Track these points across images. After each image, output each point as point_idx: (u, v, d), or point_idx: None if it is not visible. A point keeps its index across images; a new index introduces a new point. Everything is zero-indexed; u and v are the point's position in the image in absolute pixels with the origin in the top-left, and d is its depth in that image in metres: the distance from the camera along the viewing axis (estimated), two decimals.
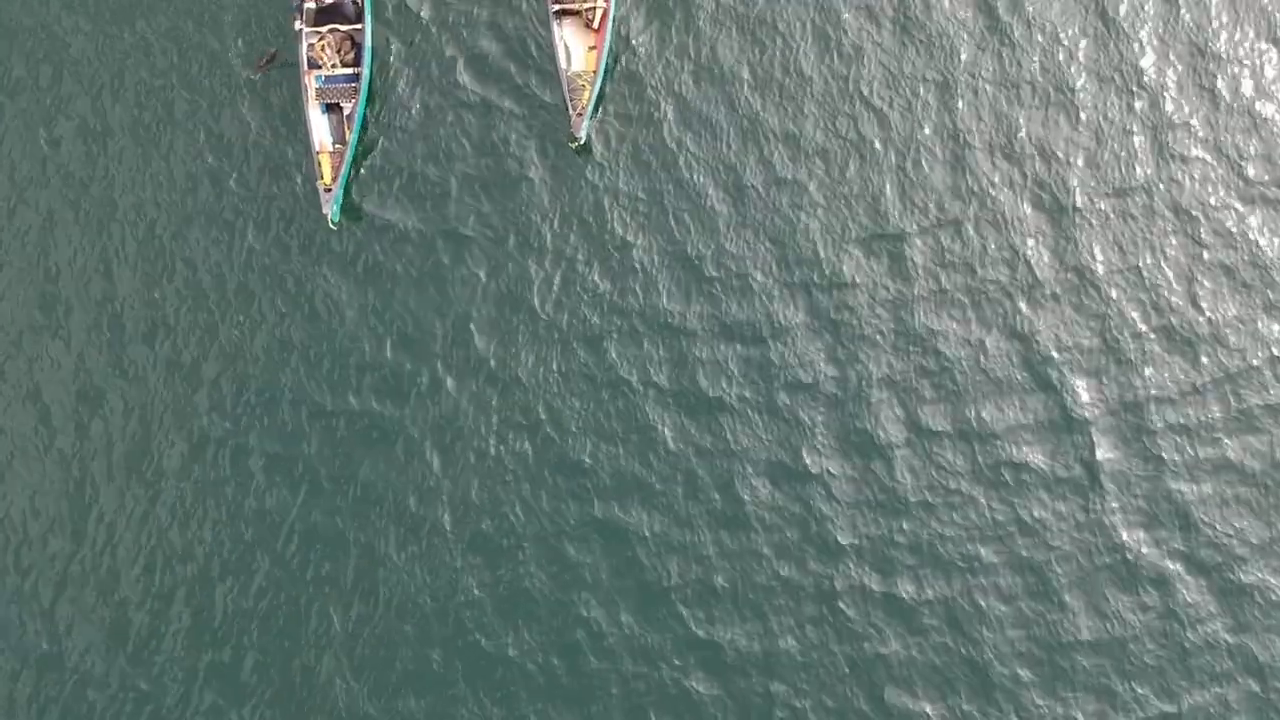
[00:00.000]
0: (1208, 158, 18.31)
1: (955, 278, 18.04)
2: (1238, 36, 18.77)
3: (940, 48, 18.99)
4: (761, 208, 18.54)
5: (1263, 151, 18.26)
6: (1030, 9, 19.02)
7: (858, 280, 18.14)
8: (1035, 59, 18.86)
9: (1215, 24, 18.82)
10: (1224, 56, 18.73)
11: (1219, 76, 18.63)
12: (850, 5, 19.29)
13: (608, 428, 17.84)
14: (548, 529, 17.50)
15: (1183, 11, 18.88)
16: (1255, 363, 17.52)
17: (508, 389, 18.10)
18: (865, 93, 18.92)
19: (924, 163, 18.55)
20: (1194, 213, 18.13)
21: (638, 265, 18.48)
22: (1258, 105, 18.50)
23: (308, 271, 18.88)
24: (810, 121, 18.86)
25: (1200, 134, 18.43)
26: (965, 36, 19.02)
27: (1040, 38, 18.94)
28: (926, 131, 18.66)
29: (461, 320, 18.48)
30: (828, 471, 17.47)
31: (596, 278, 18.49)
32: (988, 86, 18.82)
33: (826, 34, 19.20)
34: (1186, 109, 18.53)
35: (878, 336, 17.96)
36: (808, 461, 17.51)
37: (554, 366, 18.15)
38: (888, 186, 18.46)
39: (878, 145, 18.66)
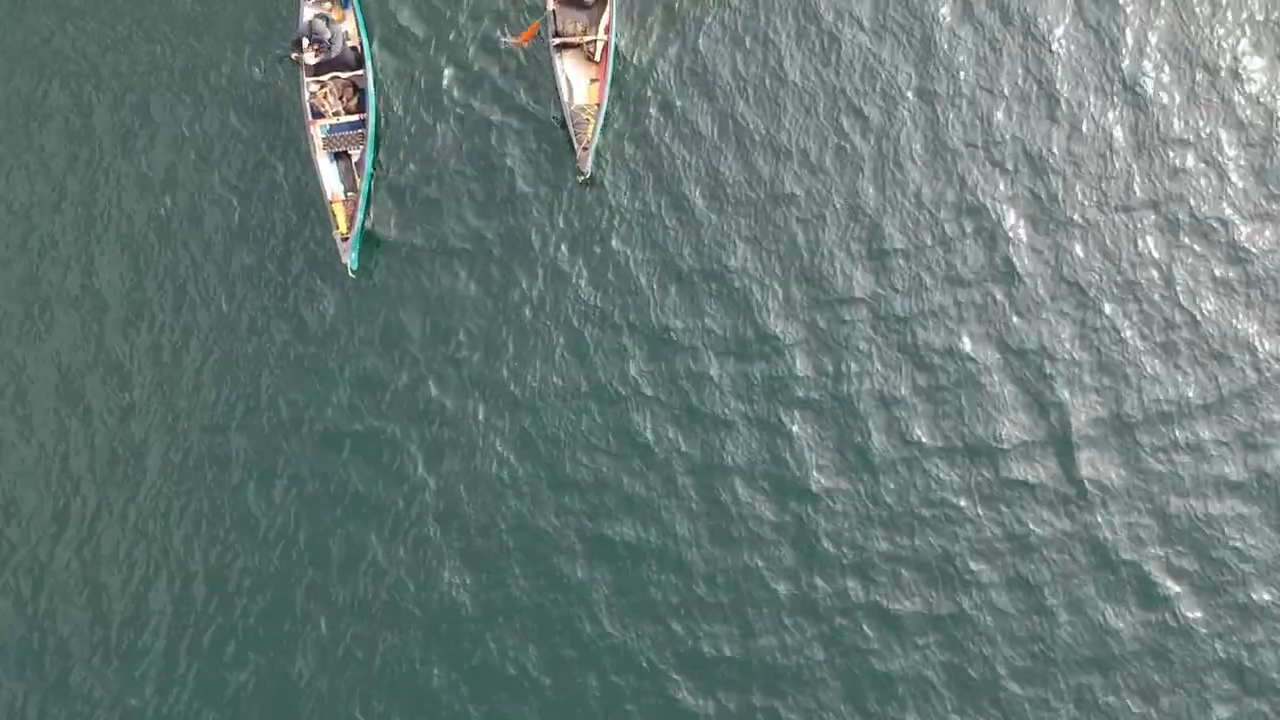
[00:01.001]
0: (1206, 169, 18.76)
1: (960, 292, 18.42)
2: (1237, 47, 19.13)
3: (949, 70, 19.31)
4: (763, 224, 18.85)
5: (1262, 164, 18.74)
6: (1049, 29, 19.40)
7: (859, 295, 18.48)
8: (1059, 80, 19.24)
9: (1210, 31, 19.21)
10: (1222, 67, 19.05)
11: (1218, 87, 19.01)
12: (850, 27, 19.59)
13: (623, 451, 18.23)
14: (554, 546, 17.93)
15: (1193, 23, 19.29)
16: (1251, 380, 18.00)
17: (529, 413, 18.44)
18: (864, 110, 19.25)
19: (925, 184, 18.88)
20: (1192, 224, 18.58)
21: (649, 290, 18.78)
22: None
23: (328, 313, 19.18)
24: (808, 136, 19.20)
25: (1203, 144, 18.84)
26: (972, 55, 19.33)
27: (1062, 53, 19.33)
28: (930, 156, 19.00)
29: (479, 343, 18.84)
30: (832, 488, 17.89)
31: (608, 304, 18.80)
32: (988, 97, 19.18)
33: (827, 51, 19.52)
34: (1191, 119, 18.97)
35: (878, 352, 18.30)
36: (810, 476, 17.94)
37: (571, 390, 18.49)
38: (888, 208, 18.78)
39: (882, 167, 18.97)
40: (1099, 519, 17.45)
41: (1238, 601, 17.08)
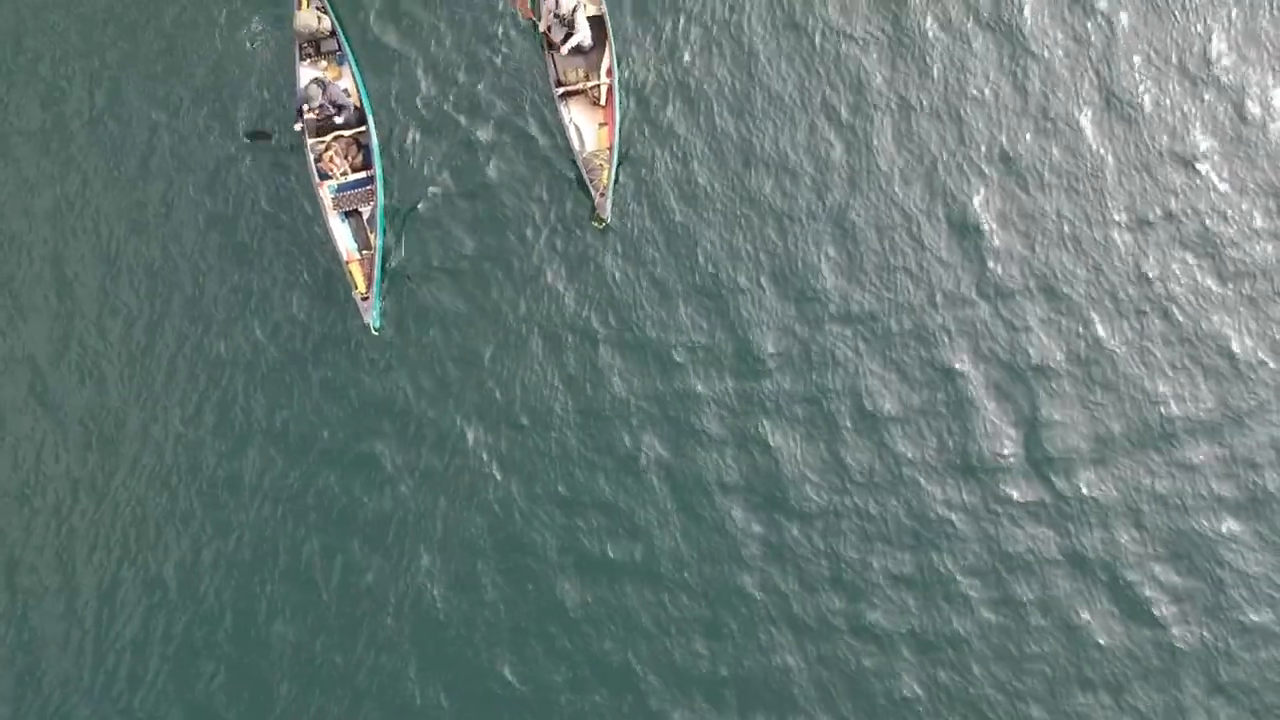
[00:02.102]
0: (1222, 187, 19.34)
1: (964, 310, 18.82)
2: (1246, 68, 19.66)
3: (952, 101, 19.70)
4: (773, 244, 19.08)
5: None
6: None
7: (868, 313, 18.71)
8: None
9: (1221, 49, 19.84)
10: (1228, 85, 19.41)
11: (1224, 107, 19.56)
12: (838, 38, 19.92)
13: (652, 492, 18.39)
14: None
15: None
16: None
17: (557, 463, 18.56)
18: (864, 121, 19.57)
19: (939, 236, 19.14)
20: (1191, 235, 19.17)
21: (672, 339, 18.89)
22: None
23: (352, 372, 19.03)
24: (804, 151, 19.50)
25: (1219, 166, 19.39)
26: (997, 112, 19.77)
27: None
28: (946, 207, 19.39)
29: (504, 392, 18.83)
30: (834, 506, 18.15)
31: (627, 356, 18.85)
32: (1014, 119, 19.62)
33: (811, 59, 19.82)
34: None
35: (880, 370, 18.47)
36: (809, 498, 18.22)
37: (594, 443, 18.59)
38: (904, 232, 19.07)
39: (899, 190, 19.21)
40: (1087, 536, 17.82)
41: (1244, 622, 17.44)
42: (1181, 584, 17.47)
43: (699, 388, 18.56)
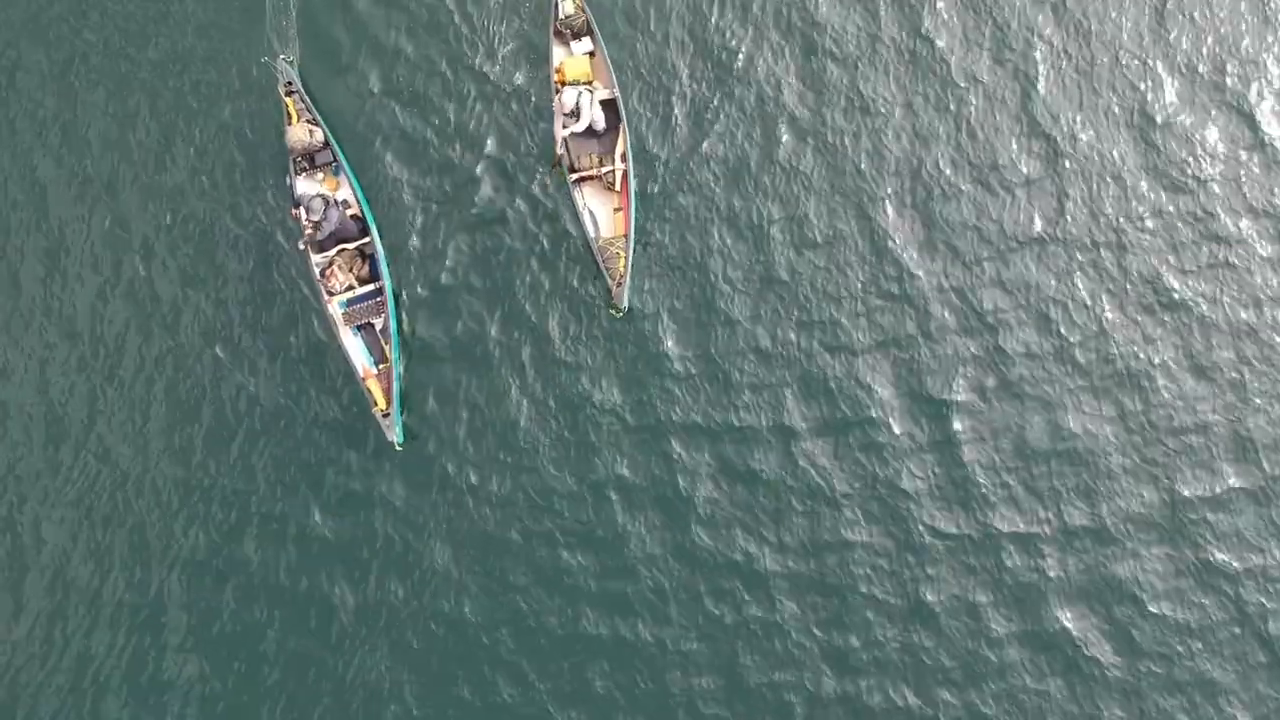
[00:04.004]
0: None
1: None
2: None
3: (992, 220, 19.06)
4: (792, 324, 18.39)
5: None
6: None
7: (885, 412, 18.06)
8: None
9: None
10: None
11: None
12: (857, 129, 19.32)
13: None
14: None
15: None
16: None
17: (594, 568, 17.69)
18: (881, 194, 18.91)
19: (952, 319, 18.52)
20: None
21: (709, 441, 18.13)
22: None
23: (377, 483, 18.24)
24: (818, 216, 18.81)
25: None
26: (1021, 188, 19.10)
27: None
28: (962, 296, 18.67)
29: (536, 494, 18.05)
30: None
31: (657, 445, 18.11)
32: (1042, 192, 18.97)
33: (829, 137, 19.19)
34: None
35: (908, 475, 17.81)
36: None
37: (633, 531, 17.77)
38: (933, 311, 18.39)
39: (914, 259, 18.57)
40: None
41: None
42: None
43: (734, 488, 17.82)
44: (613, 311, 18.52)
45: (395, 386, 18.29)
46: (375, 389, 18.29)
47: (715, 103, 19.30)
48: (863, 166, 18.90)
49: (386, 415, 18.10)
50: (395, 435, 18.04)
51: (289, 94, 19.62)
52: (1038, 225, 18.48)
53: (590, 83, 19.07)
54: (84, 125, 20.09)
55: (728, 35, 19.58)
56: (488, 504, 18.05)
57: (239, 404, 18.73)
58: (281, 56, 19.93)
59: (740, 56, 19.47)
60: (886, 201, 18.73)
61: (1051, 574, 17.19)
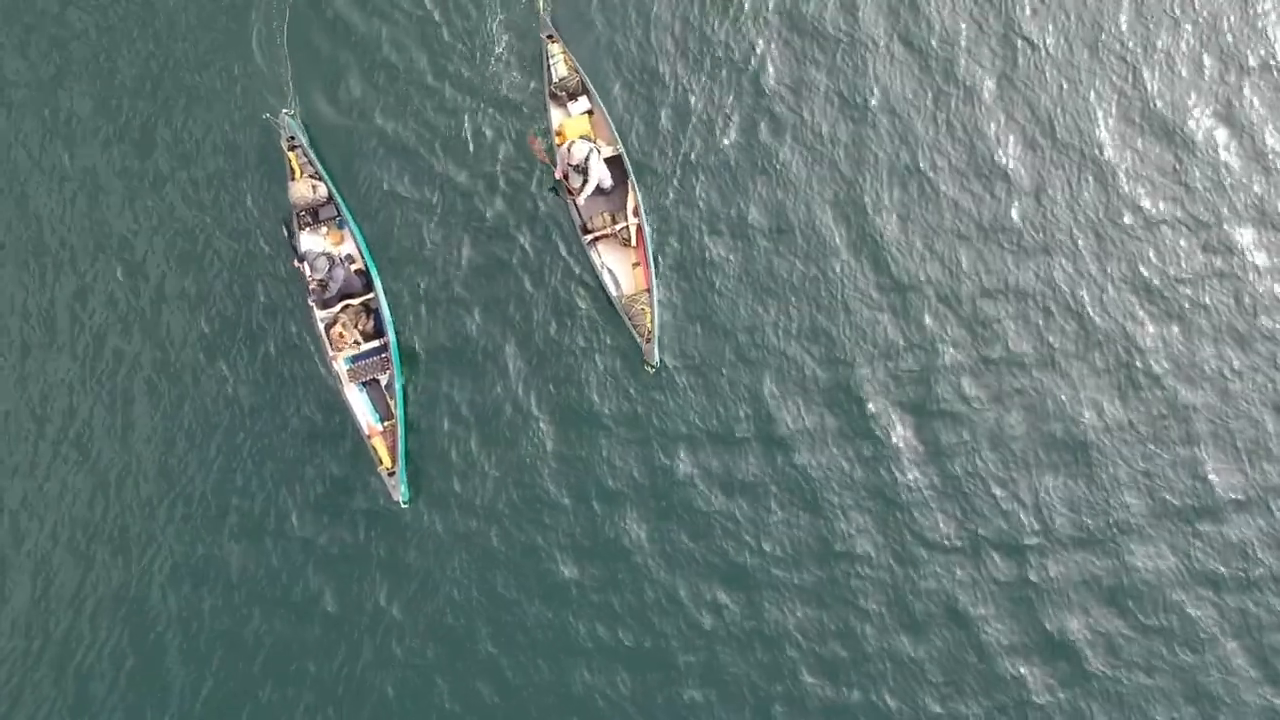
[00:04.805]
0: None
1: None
2: None
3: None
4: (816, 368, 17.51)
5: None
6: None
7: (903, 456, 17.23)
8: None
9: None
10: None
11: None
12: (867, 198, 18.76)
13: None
14: None
15: None
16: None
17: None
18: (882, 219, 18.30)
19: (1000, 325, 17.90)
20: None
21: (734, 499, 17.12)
22: None
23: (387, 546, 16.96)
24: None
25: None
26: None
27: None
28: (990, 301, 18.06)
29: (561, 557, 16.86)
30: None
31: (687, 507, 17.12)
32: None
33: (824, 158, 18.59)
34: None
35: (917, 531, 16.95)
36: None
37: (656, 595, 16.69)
38: (958, 343, 17.65)
39: (928, 310, 17.87)
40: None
41: None
42: None
43: (773, 569, 16.81)
44: (646, 368, 17.56)
45: (401, 445, 17.16)
46: (380, 447, 17.13)
47: (718, 149, 18.62)
48: (888, 229, 18.25)
49: (392, 474, 16.94)
50: (400, 494, 16.92)
51: (291, 149, 18.80)
52: (1070, 234, 17.86)
53: (594, 140, 18.46)
54: (86, 180, 19.28)
55: (728, 78, 18.89)
56: (495, 559, 17.05)
57: (238, 444, 17.54)
58: (285, 111, 19.15)
59: (745, 104, 18.73)
60: (917, 250, 18.11)
61: (1042, 580, 16.48)
